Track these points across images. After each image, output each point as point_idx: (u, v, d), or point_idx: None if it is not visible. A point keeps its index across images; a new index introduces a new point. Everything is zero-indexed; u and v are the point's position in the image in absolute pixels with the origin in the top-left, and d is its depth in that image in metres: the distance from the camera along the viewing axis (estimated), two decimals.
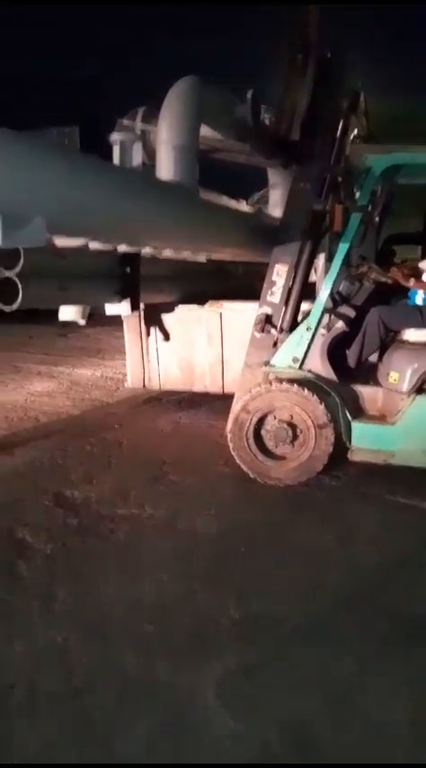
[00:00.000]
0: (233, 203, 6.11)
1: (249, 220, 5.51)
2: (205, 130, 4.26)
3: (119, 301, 5.33)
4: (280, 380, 4.20)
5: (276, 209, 6.04)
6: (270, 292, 4.34)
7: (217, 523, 3.67)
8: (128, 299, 5.36)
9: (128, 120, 4.16)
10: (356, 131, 4.45)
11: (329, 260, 4.34)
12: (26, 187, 2.52)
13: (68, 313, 4.90)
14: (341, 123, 3.99)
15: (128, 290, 5.35)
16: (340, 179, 4.05)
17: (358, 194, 4.01)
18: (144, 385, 6.86)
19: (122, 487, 4.20)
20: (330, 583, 3.08)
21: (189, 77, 3.88)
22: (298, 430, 4.20)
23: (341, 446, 4.18)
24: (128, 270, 5.22)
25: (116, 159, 3.69)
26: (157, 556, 3.31)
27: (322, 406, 4.08)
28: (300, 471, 4.21)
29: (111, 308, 5.35)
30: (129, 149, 3.63)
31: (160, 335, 6.57)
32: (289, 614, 2.80)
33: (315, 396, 4.09)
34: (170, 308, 6.43)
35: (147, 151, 4.02)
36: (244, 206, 6.75)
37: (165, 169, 3.79)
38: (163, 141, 3.84)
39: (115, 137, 3.74)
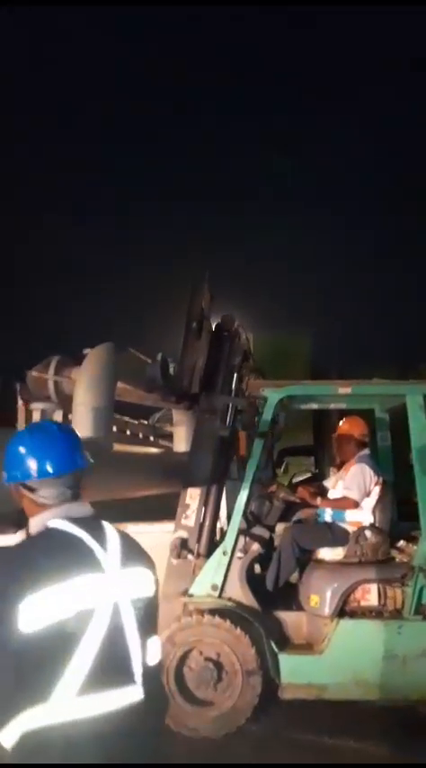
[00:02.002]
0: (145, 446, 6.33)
1: (159, 461, 5.72)
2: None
3: (15, 532, 4.98)
4: (202, 612, 3.90)
5: (181, 444, 6.34)
6: (184, 515, 4.23)
7: None
8: (24, 530, 5.03)
9: (38, 372, 4.39)
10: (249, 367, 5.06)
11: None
12: None
13: None
14: (236, 373, 4.51)
15: (25, 520, 5.05)
16: (241, 409, 4.46)
17: (258, 422, 4.39)
18: None
19: None
20: None
21: (105, 344, 4.31)
22: (224, 672, 3.79)
23: (268, 683, 3.86)
24: None
25: None
26: None
27: (253, 650, 3.74)
28: (220, 723, 3.70)
29: (4, 540, 4.97)
30: (50, 417, 3.78)
31: None
32: None
33: (247, 636, 3.76)
34: None
35: (60, 399, 4.23)
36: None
37: (81, 428, 3.94)
38: (80, 403, 3.97)
39: (37, 405, 3.91)
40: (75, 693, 1.36)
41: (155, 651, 1.61)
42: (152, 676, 1.56)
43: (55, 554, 1.47)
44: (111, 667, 1.43)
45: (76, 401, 4.05)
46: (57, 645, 1.37)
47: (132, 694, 1.46)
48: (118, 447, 4.64)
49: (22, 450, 1.61)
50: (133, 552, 1.61)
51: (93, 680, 1.39)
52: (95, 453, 4.00)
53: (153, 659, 1.59)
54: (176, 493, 4.46)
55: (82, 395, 4.04)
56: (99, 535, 1.54)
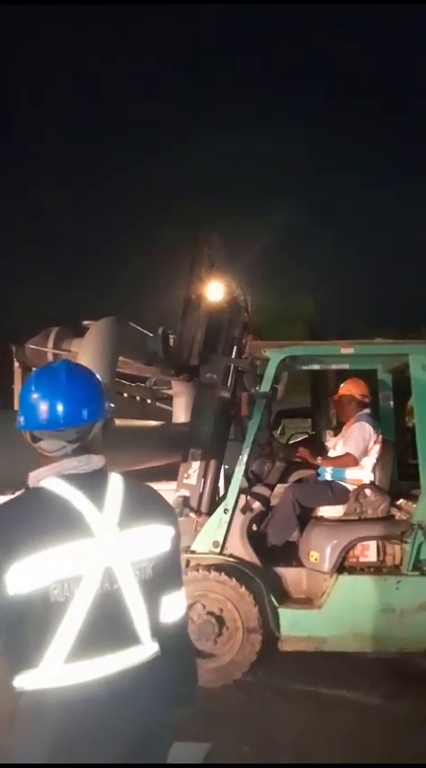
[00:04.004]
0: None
1: (159, 433, 5.70)
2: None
3: (13, 493, 4.98)
4: (208, 568, 3.87)
5: (181, 415, 6.28)
6: (186, 474, 4.18)
7: None
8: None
9: (37, 345, 4.28)
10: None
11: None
12: None
13: None
14: (235, 346, 4.33)
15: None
16: (242, 370, 4.40)
17: (260, 383, 4.33)
18: None
19: None
20: None
21: (107, 318, 4.20)
22: (225, 627, 3.81)
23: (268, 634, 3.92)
24: None
25: None
26: None
27: (255, 609, 3.76)
28: (217, 675, 3.73)
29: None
30: None
31: None
32: None
33: (251, 595, 3.78)
34: None
35: None
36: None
37: None
38: None
39: None
40: (62, 660, 1.29)
41: (173, 608, 1.51)
42: (170, 633, 1.48)
43: (34, 521, 1.33)
44: (105, 632, 1.34)
45: None
46: (41, 613, 1.28)
47: (136, 656, 1.37)
48: (118, 421, 4.59)
49: (31, 396, 1.44)
50: (141, 509, 1.46)
51: (82, 646, 1.30)
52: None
53: (171, 616, 1.51)
54: (178, 463, 4.44)
55: None
56: (96, 493, 1.40)
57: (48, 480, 1.40)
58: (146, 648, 1.39)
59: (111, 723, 1.31)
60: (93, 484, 1.41)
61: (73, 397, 1.44)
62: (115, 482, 1.45)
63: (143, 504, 1.48)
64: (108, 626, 1.34)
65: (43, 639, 1.29)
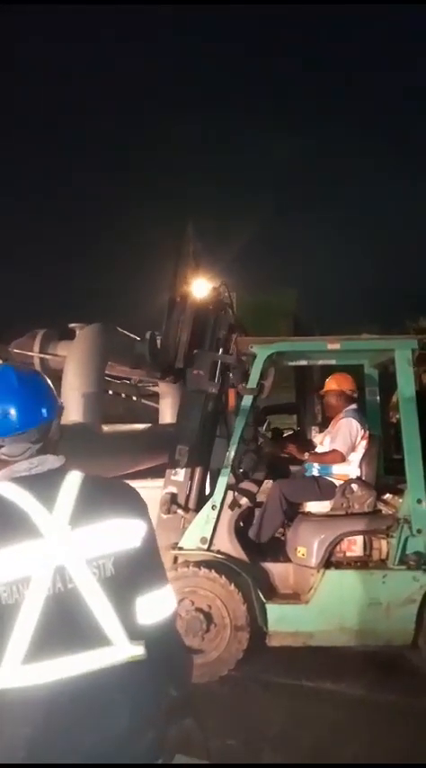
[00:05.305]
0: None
1: (146, 436, 5.67)
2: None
3: None
4: (199, 565, 3.86)
5: (167, 416, 6.25)
6: (174, 471, 4.16)
7: None
8: None
9: (22, 347, 4.19)
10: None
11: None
12: None
13: None
14: (221, 348, 4.31)
15: None
16: (229, 365, 4.39)
17: (248, 378, 4.33)
18: None
19: None
20: None
21: (95, 325, 4.16)
22: (213, 624, 3.80)
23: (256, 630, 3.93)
24: None
25: None
26: None
27: (244, 607, 3.75)
28: (203, 671, 3.69)
29: None
30: None
31: None
32: None
33: (240, 594, 3.78)
34: None
35: (48, 375, 4.10)
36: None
37: (73, 413, 3.87)
38: (70, 387, 3.89)
39: None
40: (20, 662, 1.27)
41: (153, 608, 1.45)
42: (153, 636, 1.41)
43: None
44: (62, 632, 1.31)
45: (66, 385, 3.95)
46: None
47: (105, 658, 1.32)
48: (105, 427, 4.55)
49: None
50: (100, 504, 1.42)
51: (39, 648, 1.28)
52: (84, 437, 3.95)
53: (151, 617, 1.44)
54: (165, 464, 4.41)
55: (72, 379, 3.93)
56: (47, 494, 1.38)
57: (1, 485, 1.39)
58: (119, 650, 1.34)
59: (70, 725, 1.28)
60: (44, 484, 1.40)
61: (29, 399, 1.45)
62: (71, 480, 1.42)
63: (103, 500, 1.44)
64: (66, 626, 1.32)
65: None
